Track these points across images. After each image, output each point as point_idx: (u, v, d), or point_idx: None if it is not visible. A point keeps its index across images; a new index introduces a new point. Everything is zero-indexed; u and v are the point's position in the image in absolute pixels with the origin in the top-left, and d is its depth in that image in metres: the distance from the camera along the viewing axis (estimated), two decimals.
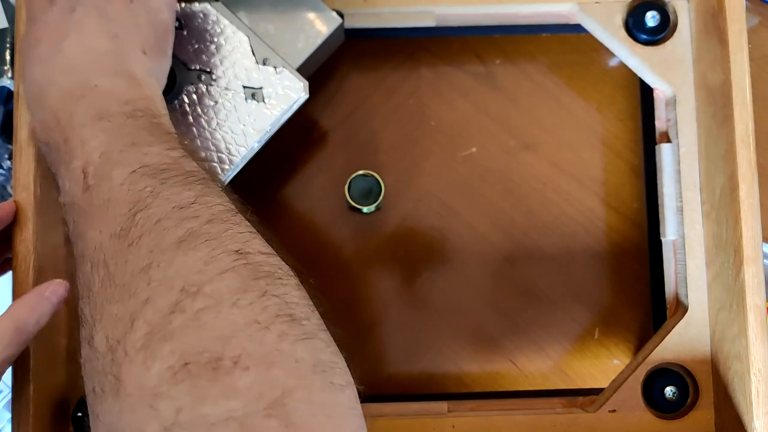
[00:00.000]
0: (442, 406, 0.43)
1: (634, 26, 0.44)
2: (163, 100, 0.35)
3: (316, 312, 0.27)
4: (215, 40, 0.40)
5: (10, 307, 0.33)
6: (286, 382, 0.23)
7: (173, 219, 0.26)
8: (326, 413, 0.24)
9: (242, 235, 0.27)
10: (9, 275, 0.38)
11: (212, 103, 0.40)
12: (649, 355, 0.43)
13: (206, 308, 0.24)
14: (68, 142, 0.30)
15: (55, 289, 0.33)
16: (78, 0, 0.34)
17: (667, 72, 0.44)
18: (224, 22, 0.40)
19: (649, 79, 0.45)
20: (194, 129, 0.40)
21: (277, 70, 0.40)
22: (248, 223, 0.28)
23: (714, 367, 0.42)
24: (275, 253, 0.27)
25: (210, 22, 0.40)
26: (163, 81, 0.36)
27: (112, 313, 0.25)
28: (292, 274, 0.27)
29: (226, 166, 0.40)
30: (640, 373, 0.43)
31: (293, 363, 0.24)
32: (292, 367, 0.24)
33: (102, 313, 0.25)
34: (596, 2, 0.45)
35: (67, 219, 0.30)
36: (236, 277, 0.25)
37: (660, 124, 0.46)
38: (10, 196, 0.48)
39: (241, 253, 0.26)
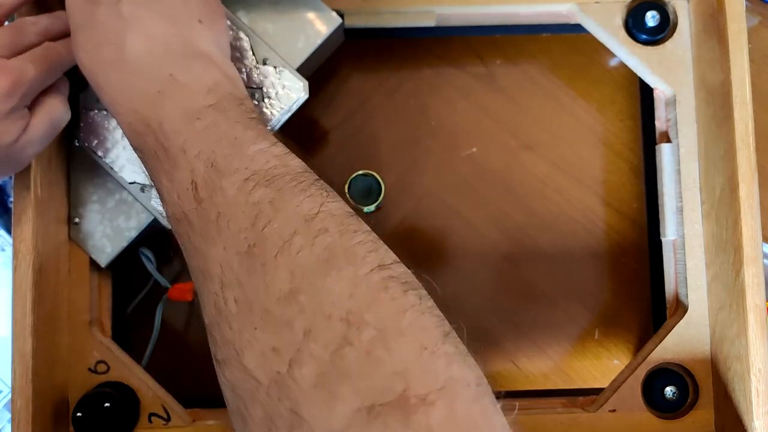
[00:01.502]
0: None
1: (634, 26, 0.44)
2: (236, 69, 0.34)
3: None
4: None
5: None
6: (469, 411, 0.24)
7: (304, 235, 0.26)
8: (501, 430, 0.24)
9: (372, 243, 0.27)
10: (9, 275, 0.38)
11: None
12: (649, 355, 0.43)
13: (373, 340, 0.23)
14: (167, 151, 0.29)
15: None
16: None
17: (667, 72, 0.44)
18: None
19: (649, 79, 0.45)
20: None
21: (277, 69, 0.40)
22: (366, 225, 0.28)
23: (714, 367, 0.42)
24: (397, 258, 0.27)
25: None
26: (226, 46, 0.35)
27: (265, 343, 0.24)
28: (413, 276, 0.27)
29: None
30: (640, 373, 0.43)
31: (467, 388, 0.24)
32: (469, 395, 0.24)
33: (251, 341, 0.25)
34: (596, 2, 0.45)
35: (176, 231, 0.29)
36: (389, 299, 0.25)
37: (660, 124, 0.46)
38: (10, 196, 0.48)
39: (383, 267, 0.26)
